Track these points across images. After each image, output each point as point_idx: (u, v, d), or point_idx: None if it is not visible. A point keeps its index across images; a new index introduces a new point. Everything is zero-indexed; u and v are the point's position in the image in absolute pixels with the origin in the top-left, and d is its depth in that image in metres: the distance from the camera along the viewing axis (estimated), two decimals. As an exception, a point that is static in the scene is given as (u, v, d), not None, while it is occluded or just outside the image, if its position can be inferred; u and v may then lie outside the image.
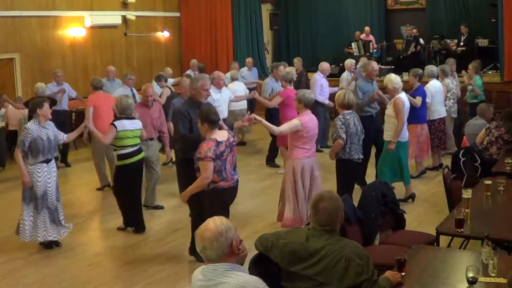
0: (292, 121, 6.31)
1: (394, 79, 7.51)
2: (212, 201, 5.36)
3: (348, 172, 6.62)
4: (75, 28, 13.30)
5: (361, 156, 6.64)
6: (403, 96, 7.48)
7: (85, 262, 6.16)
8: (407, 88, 8.22)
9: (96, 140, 8.39)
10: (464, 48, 14.14)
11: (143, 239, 6.77)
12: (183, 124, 5.88)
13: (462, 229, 4.55)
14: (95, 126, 8.44)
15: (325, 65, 10.95)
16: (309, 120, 6.27)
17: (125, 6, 14.54)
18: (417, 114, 8.30)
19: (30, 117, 6.33)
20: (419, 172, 8.96)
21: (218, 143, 5.24)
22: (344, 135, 6.38)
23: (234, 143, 5.51)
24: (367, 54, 14.87)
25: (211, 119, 5.28)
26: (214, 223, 2.87)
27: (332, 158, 6.69)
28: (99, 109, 8.64)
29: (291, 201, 6.29)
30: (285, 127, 6.33)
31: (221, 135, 5.36)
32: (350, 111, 6.54)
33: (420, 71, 8.86)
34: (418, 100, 8.34)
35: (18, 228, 6.35)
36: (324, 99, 10.63)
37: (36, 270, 6.01)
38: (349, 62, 11.88)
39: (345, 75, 11.87)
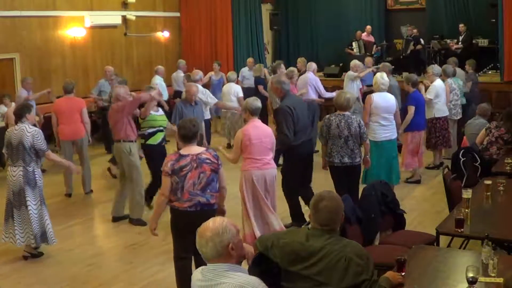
0: (235, 138, 6.15)
1: (379, 79, 7.55)
2: (171, 220, 4.99)
3: (333, 176, 6.60)
4: (75, 28, 13.30)
5: (347, 161, 6.41)
6: (375, 96, 7.51)
7: (85, 262, 6.16)
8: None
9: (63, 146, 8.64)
10: (461, 46, 14.13)
11: (143, 239, 6.76)
12: None
13: (462, 229, 4.55)
14: (58, 132, 8.61)
15: (314, 65, 11.06)
16: (251, 127, 6.01)
17: (125, 6, 14.54)
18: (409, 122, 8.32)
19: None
20: (415, 180, 8.79)
21: (180, 156, 4.78)
22: (322, 139, 6.46)
23: (209, 161, 4.81)
24: (368, 54, 14.86)
25: (180, 133, 4.92)
26: (213, 223, 2.91)
27: (323, 166, 6.70)
28: (61, 116, 8.56)
29: (247, 215, 6.08)
30: (232, 154, 6.17)
31: (191, 149, 4.85)
32: (340, 112, 6.44)
33: (415, 77, 8.78)
34: (410, 110, 8.32)
35: (40, 237, 6.14)
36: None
37: (36, 270, 6.01)
38: (353, 63, 11.89)
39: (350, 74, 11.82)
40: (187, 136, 4.86)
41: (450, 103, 9.58)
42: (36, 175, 6.06)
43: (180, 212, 4.81)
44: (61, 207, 8.09)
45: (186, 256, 4.94)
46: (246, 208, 6.11)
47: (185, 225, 4.72)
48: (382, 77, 7.58)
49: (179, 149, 5.20)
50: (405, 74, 12.62)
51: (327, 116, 6.55)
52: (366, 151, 6.70)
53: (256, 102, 6.12)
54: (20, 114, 6.15)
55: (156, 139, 7.40)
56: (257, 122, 6.09)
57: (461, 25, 14.34)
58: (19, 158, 6.00)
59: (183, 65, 13.25)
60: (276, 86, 6.90)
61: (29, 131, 5.99)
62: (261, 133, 6.05)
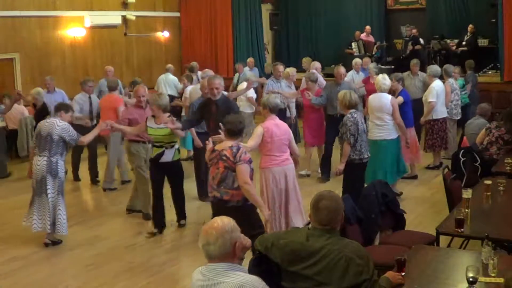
0: (256, 130, 6.04)
1: (381, 79, 7.67)
2: None
3: (359, 175, 6.55)
4: (75, 28, 13.30)
5: (369, 154, 6.65)
6: (370, 96, 7.79)
7: (85, 262, 6.16)
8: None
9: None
10: (465, 48, 14.11)
11: (143, 239, 6.76)
12: None
13: (462, 229, 4.54)
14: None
15: (318, 64, 11.24)
16: (272, 125, 6.01)
17: (125, 6, 14.54)
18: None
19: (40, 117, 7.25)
20: (412, 176, 8.79)
21: (213, 150, 5.24)
22: (352, 138, 6.36)
23: (225, 158, 5.05)
24: (368, 54, 14.85)
25: (226, 127, 5.24)
26: (221, 221, 2.95)
27: (341, 170, 6.55)
28: (101, 112, 8.86)
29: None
30: (252, 141, 5.96)
31: (223, 144, 5.19)
32: (355, 110, 6.54)
33: (401, 75, 8.87)
34: (399, 100, 8.25)
35: (53, 225, 6.48)
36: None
37: (36, 270, 6.00)
38: (355, 61, 11.87)
39: (352, 73, 11.81)
40: (233, 131, 5.17)
41: (451, 103, 9.59)
42: (59, 167, 6.47)
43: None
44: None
45: None
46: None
47: (214, 212, 5.36)
48: (384, 78, 7.68)
49: None
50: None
51: (349, 115, 6.45)
52: None
53: (277, 100, 6.20)
54: (58, 108, 6.72)
55: (152, 153, 6.88)
56: (277, 120, 6.11)
57: (470, 26, 14.29)
58: (45, 148, 6.41)
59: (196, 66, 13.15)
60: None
61: (59, 125, 6.45)
62: (281, 130, 6.05)
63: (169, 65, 12.80)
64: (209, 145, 5.41)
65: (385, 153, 7.54)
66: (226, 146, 5.11)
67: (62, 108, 6.70)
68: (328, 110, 8.84)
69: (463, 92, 10.47)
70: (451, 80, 9.69)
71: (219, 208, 5.07)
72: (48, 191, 6.39)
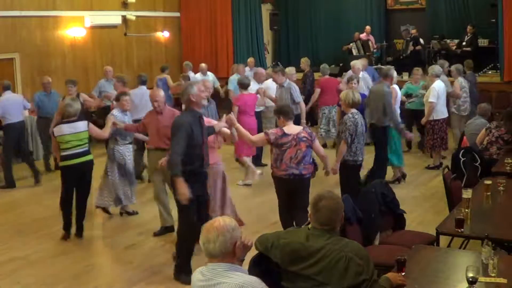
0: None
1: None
2: (274, 185, 6.15)
3: (353, 176, 6.58)
4: (75, 28, 13.30)
5: (364, 157, 6.65)
6: (397, 87, 8.63)
7: (85, 262, 6.16)
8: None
9: None
10: (469, 48, 14.09)
11: (143, 239, 6.77)
12: None
13: (462, 229, 4.55)
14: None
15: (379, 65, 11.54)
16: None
17: (125, 6, 14.55)
18: None
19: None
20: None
21: (283, 134, 5.79)
22: (349, 138, 6.37)
23: (305, 138, 5.80)
24: (367, 54, 14.85)
25: (283, 111, 5.93)
26: (223, 220, 2.95)
27: (335, 170, 6.54)
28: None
29: (232, 204, 6.67)
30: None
31: (293, 128, 5.85)
32: (356, 110, 6.55)
33: (354, 75, 9.12)
34: None
35: (118, 201, 7.38)
36: None
37: (36, 270, 6.00)
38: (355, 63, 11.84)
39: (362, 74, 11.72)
40: (290, 112, 5.93)
41: (459, 100, 9.77)
42: (115, 152, 7.26)
43: (277, 178, 5.95)
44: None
45: (282, 212, 6.09)
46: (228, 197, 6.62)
47: (280, 188, 6.01)
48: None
49: None
50: (407, 73, 12.69)
51: (350, 115, 6.46)
52: None
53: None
54: (116, 98, 7.56)
55: None
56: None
57: (469, 27, 14.28)
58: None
59: (167, 67, 13.21)
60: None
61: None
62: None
63: (202, 64, 13.13)
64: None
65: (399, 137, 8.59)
66: (299, 129, 5.88)
67: (116, 98, 7.51)
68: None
69: (414, 98, 10.39)
70: (460, 79, 9.90)
71: (297, 182, 5.83)
72: (108, 173, 7.24)
